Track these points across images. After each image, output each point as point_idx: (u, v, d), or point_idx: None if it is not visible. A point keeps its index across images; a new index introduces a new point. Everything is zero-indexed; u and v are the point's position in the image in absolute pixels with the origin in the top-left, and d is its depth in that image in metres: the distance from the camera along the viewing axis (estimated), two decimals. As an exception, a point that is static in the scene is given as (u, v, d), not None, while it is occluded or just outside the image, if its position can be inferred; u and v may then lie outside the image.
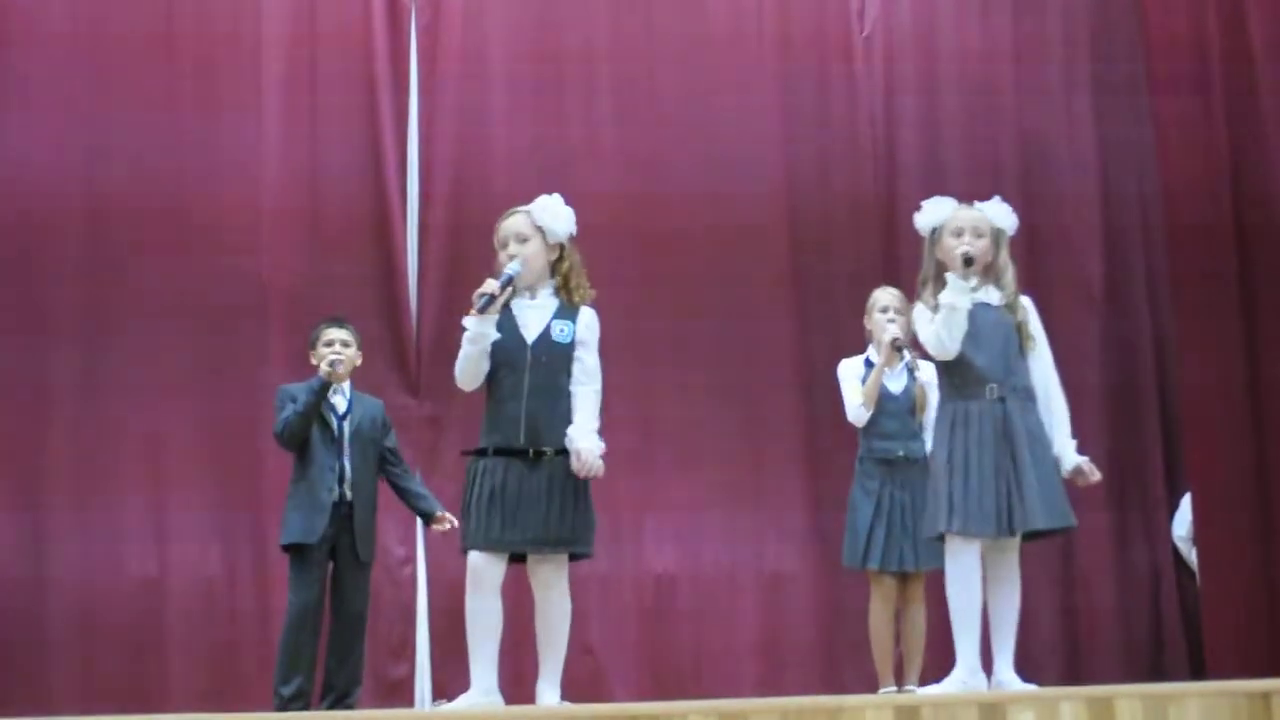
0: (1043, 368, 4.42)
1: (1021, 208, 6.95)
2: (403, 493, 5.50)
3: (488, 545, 4.07)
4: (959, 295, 4.26)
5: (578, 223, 6.60)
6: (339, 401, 5.38)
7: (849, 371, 5.49)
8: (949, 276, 4.30)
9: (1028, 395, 4.32)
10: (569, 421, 4.15)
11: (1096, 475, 4.40)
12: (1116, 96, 7.18)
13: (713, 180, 6.76)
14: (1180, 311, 5.96)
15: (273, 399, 5.44)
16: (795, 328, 6.80)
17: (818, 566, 6.55)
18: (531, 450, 4.09)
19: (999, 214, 4.49)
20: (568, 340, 4.19)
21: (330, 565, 5.31)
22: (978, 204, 4.52)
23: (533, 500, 4.06)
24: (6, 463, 6.17)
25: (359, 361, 5.45)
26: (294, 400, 5.30)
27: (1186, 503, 6.63)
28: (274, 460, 5.77)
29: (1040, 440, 4.28)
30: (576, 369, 4.22)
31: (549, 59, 6.79)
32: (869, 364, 5.46)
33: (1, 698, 5.79)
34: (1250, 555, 5.56)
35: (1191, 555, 6.68)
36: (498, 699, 4.11)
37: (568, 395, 4.18)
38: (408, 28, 6.69)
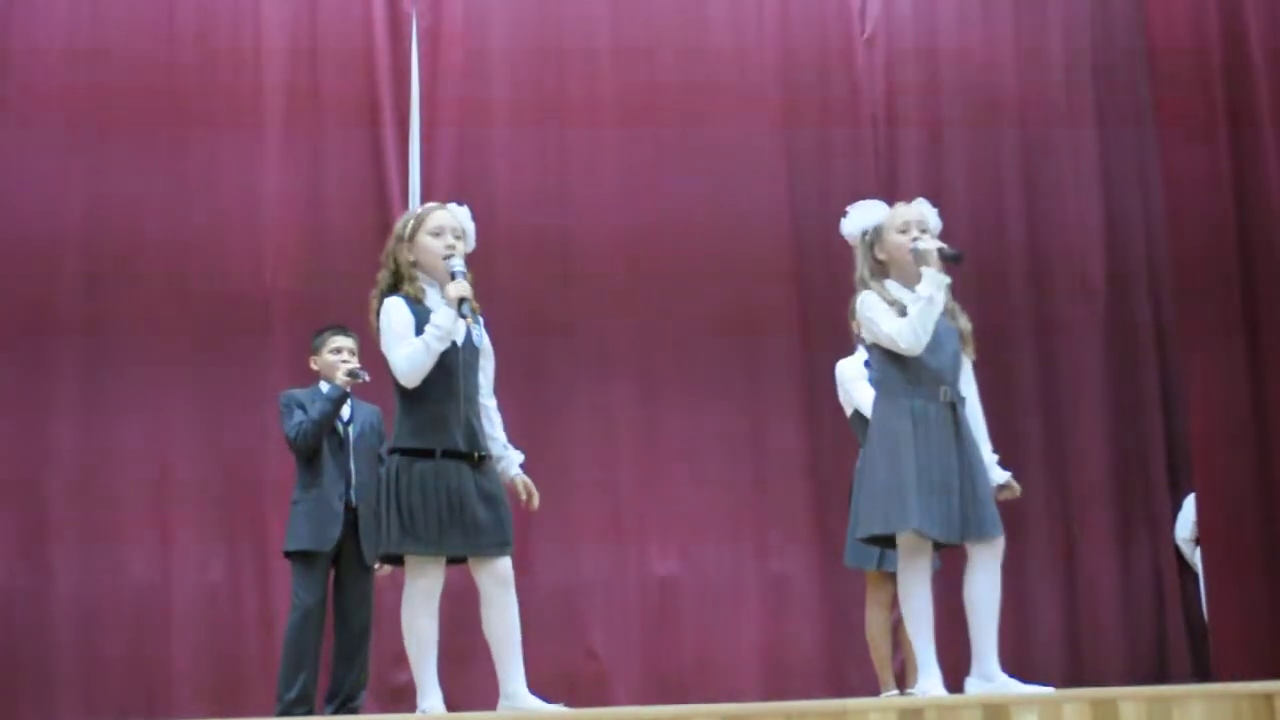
0: (969, 379, 4.38)
1: (1023, 211, 7.10)
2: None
3: (464, 551, 4.01)
4: (938, 289, 4.22)
5: (582, 230, 6.65)
6: (343, 409, 5.39)
7: (853, 371, 5.39)
8: (925, 271, 4.20)
9: (964, 402, 4.30)
10: (481, 422, 4.12)
11: (1018, 489, 4.41)
12: (1119, 95, 7.20)
13: (715, 188, 6.79)
14: (1184, 315, 5.96)
15: (274, 406, 5.46)
16: (798, 332, 6.80)
17: (821, 569, 6.55)
18: (476, 454, 4.06)
19: (931, 213, 4.39)
20: (483, 345, 4.18)
21: (333, 570, 5.32)
22: (901, 205, 4.40)
23: (485, 504, 4.03)
24: (10, 470, 6.17)
25: None
26: (300, 406, 5.32)
27: (1189, 505, 6.64)
28: (277, 465, 5.78)
29: (978, 448, 4.27)
30: (483, 380, 4.18)
31: (551, 81, 6.81)
32: (868, 365, 5.37)
33: (7, 704, 5.81)
34: (1254, 558, 5.56)
35: (1194, 557, 6.69)
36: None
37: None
38: (409, 36, 6.71)
